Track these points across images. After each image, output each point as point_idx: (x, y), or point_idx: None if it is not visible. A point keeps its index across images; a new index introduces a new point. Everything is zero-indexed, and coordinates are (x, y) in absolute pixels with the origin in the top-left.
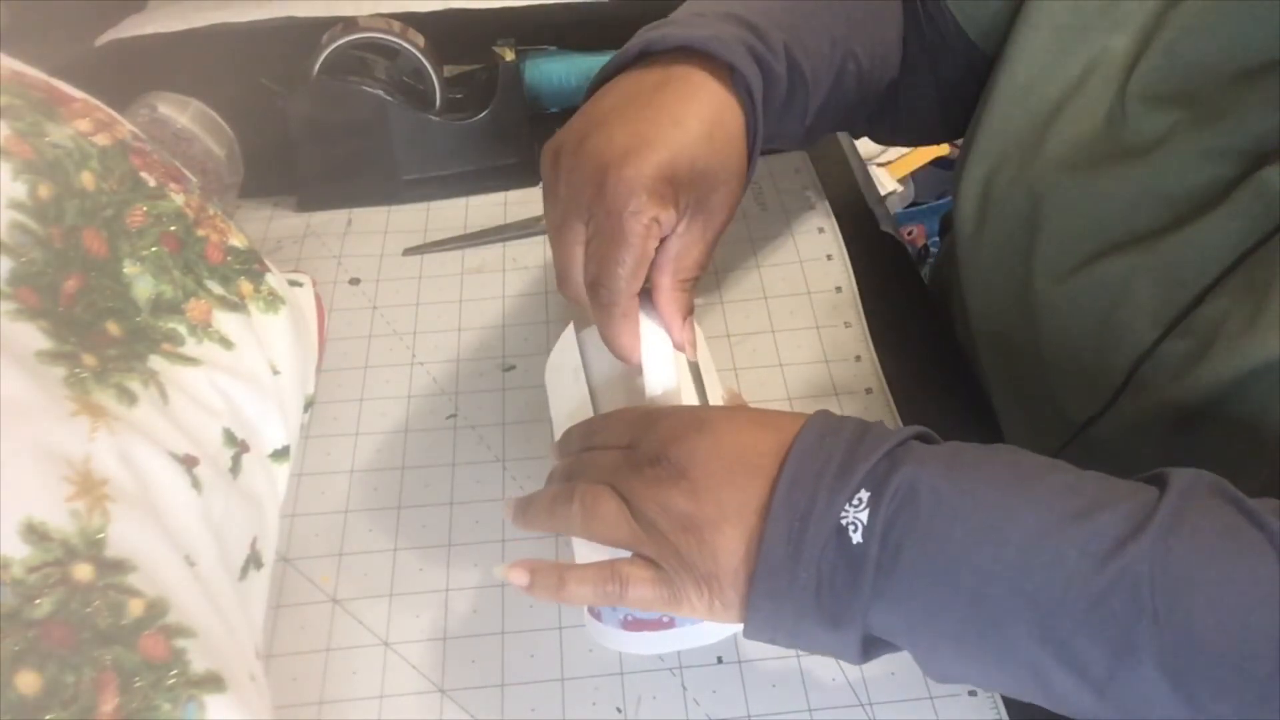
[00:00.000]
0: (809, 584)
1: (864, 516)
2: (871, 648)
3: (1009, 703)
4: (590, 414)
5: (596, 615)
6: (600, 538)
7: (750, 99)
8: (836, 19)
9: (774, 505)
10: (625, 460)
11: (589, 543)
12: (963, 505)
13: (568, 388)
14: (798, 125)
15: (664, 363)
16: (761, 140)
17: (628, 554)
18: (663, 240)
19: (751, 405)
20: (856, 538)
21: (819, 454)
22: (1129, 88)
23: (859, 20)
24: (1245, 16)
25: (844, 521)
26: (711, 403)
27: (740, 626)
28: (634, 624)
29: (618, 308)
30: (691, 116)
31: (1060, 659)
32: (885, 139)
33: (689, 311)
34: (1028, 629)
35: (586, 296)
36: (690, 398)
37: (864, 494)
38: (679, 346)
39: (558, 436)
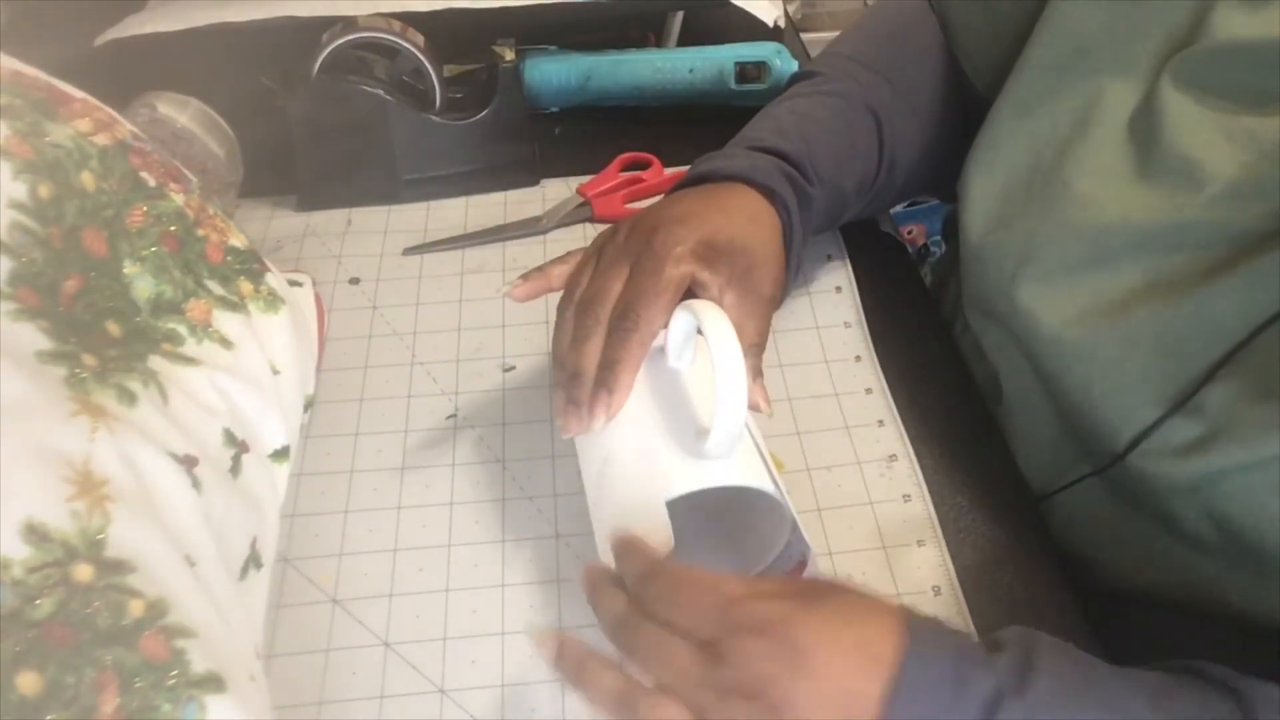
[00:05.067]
0: None
1: None
2: None
3: None
4: (637, 422)
5: None
6: None
7: (786, 211)
8: (883, 122)
9: None
10: (710, 682)
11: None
12: None
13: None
14: (846, 214)
15: (740, 397)
16: (800, 245)
17: None
18: None
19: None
20: None
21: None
22: (1139, 124)
23: (905, 114)
24: (1245, 64)
25: None
26: (761, 448)
27: None
28: None
29: (638, 334)
30: (734, 207)
31: None
32: None
33: (757, 374)
34: None
35: (600, 328)
36: (747, 441)
37: None
38: (753, 405)
39: (589, 443)
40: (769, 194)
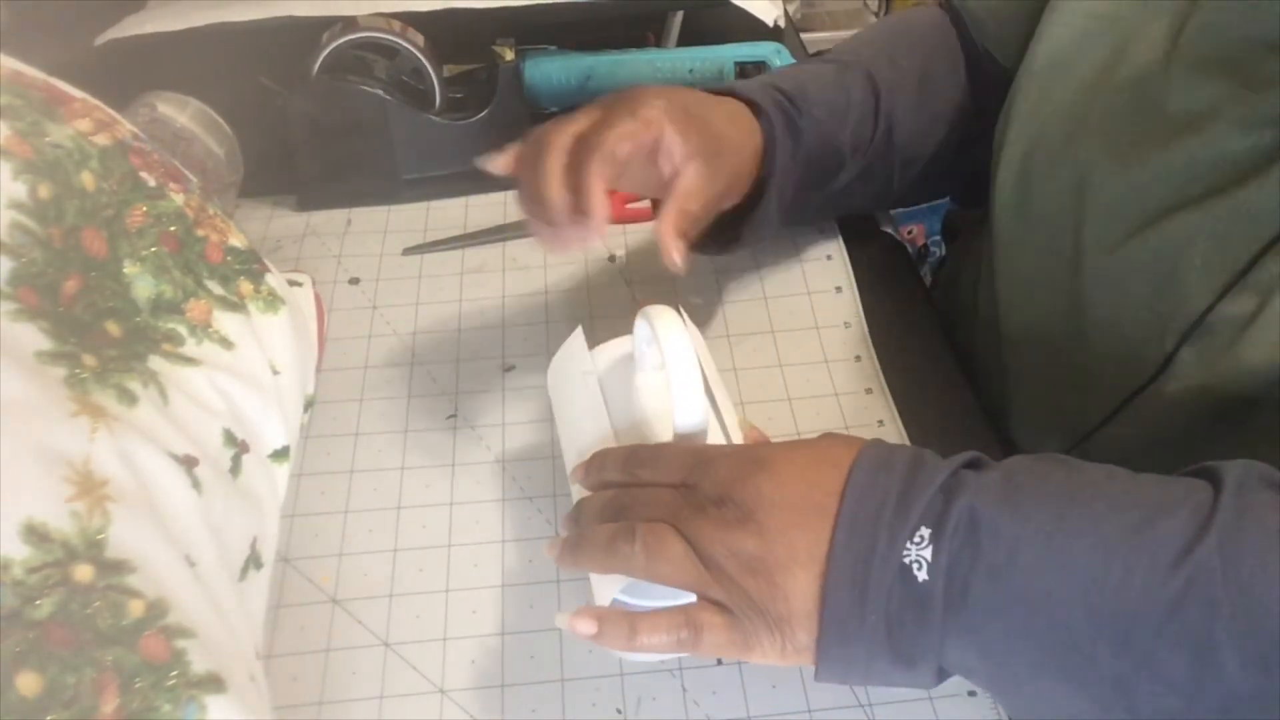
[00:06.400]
0: (878, 626)
1: (927, 554)
2: (945, 676)
3: None
4: (608, 433)
5: None
6: (665, 579)
7: (770, 125)
8: (881, 89)
9: (834, 549)
10: (685, 500)
11: (608, 581)
12: (1024, 533)
13: (577, 399)
14: (841, 174)
15: (696, 398)
16: (784, 172)
17: (619, 586)
18: (676, 177)
19: (753, 414)
20: (922, 575)
21: (874, 492)
22: (1174, 56)
23: (905, 86)
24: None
25: (907, 560)
26: (733, 439)
27: None
28: None
29: (599, 154)
30: (715, 103)
31: (1144, 670)
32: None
33: (685, 235)
34: (1108, 646)
35: (563, 156)
36: (716, 433)
37: (924, 531)
38: (665, 253)
39: (568, 450)
40: (754, 108)
